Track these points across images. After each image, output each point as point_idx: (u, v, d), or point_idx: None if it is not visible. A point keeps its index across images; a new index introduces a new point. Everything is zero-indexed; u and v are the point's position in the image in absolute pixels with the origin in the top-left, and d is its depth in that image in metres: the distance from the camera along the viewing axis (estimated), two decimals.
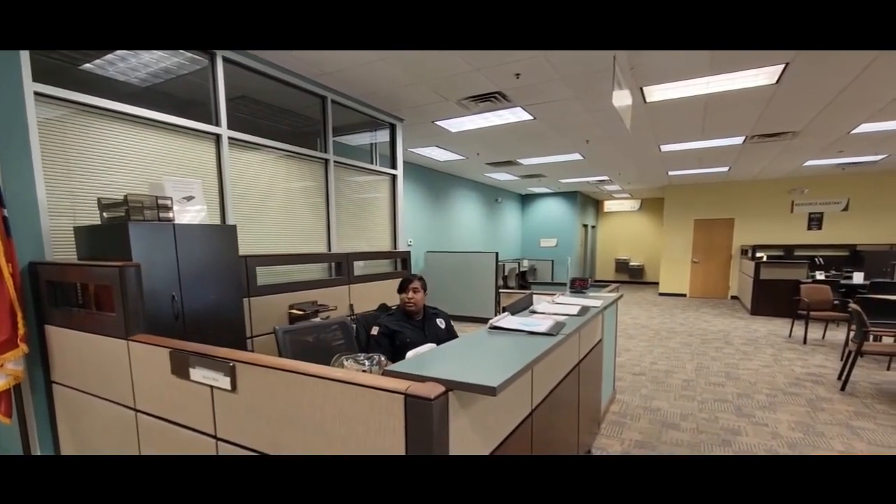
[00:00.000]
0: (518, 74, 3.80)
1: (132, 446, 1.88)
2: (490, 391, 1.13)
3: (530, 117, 5.05)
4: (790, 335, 6.59)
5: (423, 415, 1.07)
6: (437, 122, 5.28)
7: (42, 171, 2.26)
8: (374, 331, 2.68)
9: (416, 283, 2.78)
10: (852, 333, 4.38)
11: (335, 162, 4.23)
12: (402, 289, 2.78)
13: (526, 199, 13.26)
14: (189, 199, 2.54)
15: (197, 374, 1.53)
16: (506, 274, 9.40)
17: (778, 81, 3.96)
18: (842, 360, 4.87)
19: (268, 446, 1.39)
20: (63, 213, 2.41)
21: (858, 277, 7.08)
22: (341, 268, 4.05)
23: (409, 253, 5.02)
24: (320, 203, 4.17)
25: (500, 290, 7.02)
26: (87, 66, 2.76)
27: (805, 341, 6.18)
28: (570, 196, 12.44)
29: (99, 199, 2.31)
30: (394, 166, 5.10)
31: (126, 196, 2.17)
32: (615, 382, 4.21)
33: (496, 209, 11.50)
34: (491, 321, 1.91)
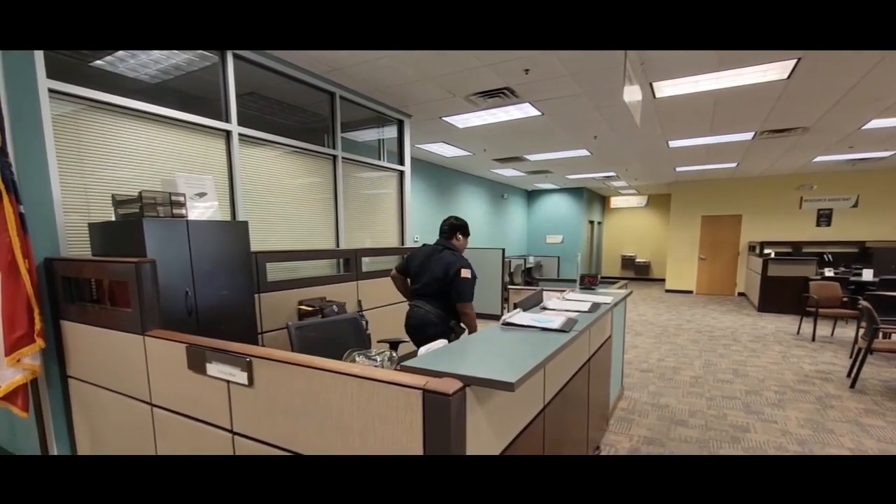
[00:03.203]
0: (527, 70, 3.78)
1: (148, 440, 1.91)
2: (508, 387, 1.14)
3: (538, 113, 5.03)
4: (798, 332, 6.55)
5: (442, 410, 1.08)
6: (445, 119, 5.28)
7: (57, 168, 2.28)
8: (469, 273, 2.72)
9: None
10: (862, 331, 4.35)
11: (343, 158, 4.24)
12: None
13: (532, 196, 13.23)
14: (201, 195, 2.56)
15: (213, 369, 1.55)
16: (511, 270, 9.39)
17: (789, 77, 3.92)
18: (851, 357, 4.85)
19: (284, 441, 1.41)
20: (77, 209, 2.43)
21: (868, 274, 7.03)
22: (349, 264, 4.06)
23: None
24: (328, 199, 4.18)
25: (509, 287, 7.01)
26: (98, 62, 2.77)
27: (814, 338, 6.15)
28: (577, 192, 12.40)
29: (113, 196, 2.33)
30: (401, 162, 5.11)
31: (140, 193, 2.19)
32: (623, 379, 4.20)
33: (502, 205, 11.48)
34: (503, 317, 1.92)
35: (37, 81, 2.19)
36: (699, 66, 3.74)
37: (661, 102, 4.66)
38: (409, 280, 3.00)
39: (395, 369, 1.37)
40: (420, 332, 2.75)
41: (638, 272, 14.56)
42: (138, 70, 2.98)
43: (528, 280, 9.67)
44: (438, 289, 2.74)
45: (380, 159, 4.90)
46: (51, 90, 2.27)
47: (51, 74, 2.26)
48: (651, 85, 4.15)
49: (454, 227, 2.91)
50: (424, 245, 3.02)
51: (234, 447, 1.56)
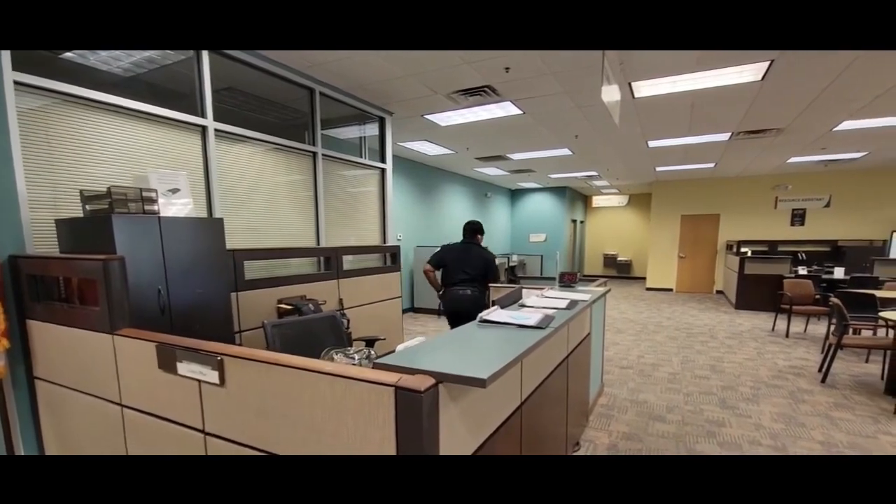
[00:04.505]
0: (508, 68, 3.79)
1: (118, 442, 1.86)
2: (480, 383, 1.14)
3: (519, 112, 5.05)
4: (773, 329, 6.72)
5: (414, 407, 1.07)
6: (427, 116, 5.26)
7: (22, 163, 2.20)
8: (496, 261, 3.79)
9: None
10: (833, 327, 4.47)
11: (324, 155, 4.19)
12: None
13: (515, 194, 13.29)
14: (174, 191, 2.50)
15: (184, 368, 1.52)
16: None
17: (763, 78, 4.00)
18: (822, 353, 4.99)
19: (257, 441, 1.38)
20: (44, 205, 2.35)
21: (839, 272, 7.24)
22: (330, 262, 4.02)
23: (398, 248, 5.01)
24: (309, 197, 4.13)
25: (490, 285, 7.03)
26: (68, 54, 2.69)
27: (787, 335, 6.31)
28: (559, 191, 12.50)
29: (81, 192, 2.27)
30: (383, 160, 5.07)
31: (109, 188, 2.13)
32: (603, 376, 4.26)
33: (486, 204, 11.51)
34: (481, 315, 1.91)
35: (2, 73, 2.12)
36: (677, 67, 3.79)
37: (640, 102, 4.72)
38: (442, 271, 3.90)
39: (372, 367, 1.36)
40: (469, 306, 3.58)
41: (620, 270, 14.75)
42: (110, 62, 2.90)
43: (511, 278, 9.70)
44: (476, 274, 3.76)
45: (361, 157, 4.86)
46: (16, 82, 2.19)
47: (17, 66, 2.19)
48: (630, 85, 4.20)
49: (474, 230, 3.97)
50: (453, 244, 3.98)
51: (206, 448, 1.53)
